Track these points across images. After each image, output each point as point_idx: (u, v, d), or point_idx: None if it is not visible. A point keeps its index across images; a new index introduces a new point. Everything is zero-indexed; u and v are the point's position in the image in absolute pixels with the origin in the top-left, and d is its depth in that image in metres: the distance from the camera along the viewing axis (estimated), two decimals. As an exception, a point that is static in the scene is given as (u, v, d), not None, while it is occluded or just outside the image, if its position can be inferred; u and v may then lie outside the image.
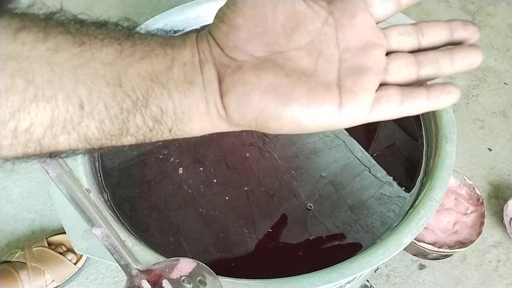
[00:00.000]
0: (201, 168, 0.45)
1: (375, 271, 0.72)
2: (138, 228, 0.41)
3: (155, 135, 0.22)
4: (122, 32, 0.21)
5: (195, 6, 0.55)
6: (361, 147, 0.46)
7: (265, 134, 0.47)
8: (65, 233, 0.73)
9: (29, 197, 0.82)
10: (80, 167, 0.41)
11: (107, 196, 0.43)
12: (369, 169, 0.44)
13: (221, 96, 0.22)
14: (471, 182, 0.74)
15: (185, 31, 0.54)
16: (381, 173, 0.44)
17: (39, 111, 0.19)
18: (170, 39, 0.22)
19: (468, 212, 0.72)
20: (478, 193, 0.73)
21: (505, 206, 0.75)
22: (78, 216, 0.31)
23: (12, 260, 0.69)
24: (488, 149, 0.86)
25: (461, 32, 0.24)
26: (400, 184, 0.43)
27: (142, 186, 0.44)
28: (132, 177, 0.45)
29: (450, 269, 0.72)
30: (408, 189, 0.42)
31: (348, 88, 0.22)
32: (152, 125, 0.21)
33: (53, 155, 0.21)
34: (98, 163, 0.46)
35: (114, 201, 0.43)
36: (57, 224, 0.78)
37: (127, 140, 0.22)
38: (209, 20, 0.56)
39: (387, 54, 0.23)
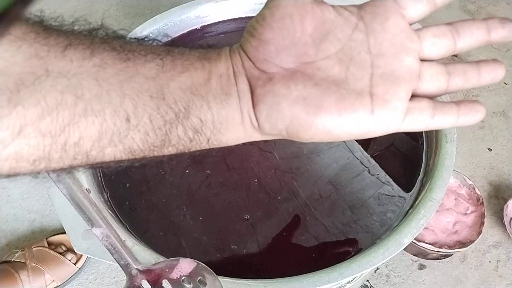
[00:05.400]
0: (201, 168, 0.45)
1: (375, 271, 0.72)
2: (138, 228, 0.41)
3: (194, 145, 0.23)
4: (162, 48, 0.22)
5: (195, 6, 0.55)
6: (360, 147, 0.46)
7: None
8: (65, 233, 0.73)
9: (29, 197, 0.82)
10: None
11: (107, 196, 0.43)
12: (368, 169, 0.44)
13: (253, 107, 0.22)
14: (471, 182, 0.74)
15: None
16: (381, 173, 0.44)
17: (88, 125, 0.19)
18: (206, 53, 0.23)
19: (468, 212, 0.72)
20: (478, 193, 0.73)
21: (505, 206, 0.75)
22: (78, 216, 0.31)
23: (12, 260, 0.69)
24: (488, 149, 0.86)
25: (500, 31, 0.23)
26: (400, 184, 0.43)
27: (142, 186, 0.44)
28: (132, 177, 0.45)
29: (450, 269, 0.72)
30: (408, 189, 0.42)
31: (381, 96, 0.22)
32: (192, 136, 0.22)
33: (97, 166, 0.22)
34: (98, 163, 0.45)
35: (114, 201, 0.43)
36: (57, 224, 0.78)
37: (168, 150, 0.23)
38: (209, 20, 0.56)
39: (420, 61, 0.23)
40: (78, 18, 0.21)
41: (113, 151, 0.21)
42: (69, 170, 0.21)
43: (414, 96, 0.23)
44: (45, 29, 0.19)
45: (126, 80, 0.20)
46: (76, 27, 0.20)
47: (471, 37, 0.23)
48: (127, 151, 0.21)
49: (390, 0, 0.23)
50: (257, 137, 0.24)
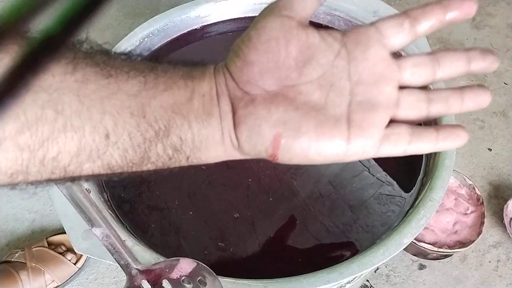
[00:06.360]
0: (201, 168, 0.45)
1: (375, 271, 0.72)
2: (138, 228, 0.41)
3: (174, 162, 0.23)
4: (146, 65, 0.22)
5: (195, 6, 0.55)
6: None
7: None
8: (65, 233, 0.73)
9: (29, 197, 0.82)
10: (80, 167, 0.41)
11: (107, 196, 0.43)
12: (368, 169, 0.44)
13: (234, 128, 0.23)
14: (471, 182, 0.74)
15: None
16: (381, 173, 0.44)
17: (67, 141, 0.19)
18: (191, 72, 0.23)
19: (468, 212, 0.72)
20: (478, 193, 0.73)
21: (505, 206, 0.75)
22: (78, 216, 0.31)
23: (12, 260, 0.69)
24: (488, 149, 0.86)
25: (479, 63, 0.23)
26: (400, 184, 0.43)
27: (142, 186, 0.44)
28: (132, 177, 0.45)
29: (450, 269, 0.72)
30: (408, 189, 0.42)
31: (358, 123, 0.22)
32: (172, 154, 0.22)
33: (75, 179, 0.22)
34: (98, 163, 0.45)
35: (114, 201, 0.43)
36: (57, 224, 0.78)
37: (147, 167, 0.23)
38: (209, 20, 0.56)
39: (400, 88, 0.23)
40: None
41: (91, 167, 0.21)
42: (47, 183, 0.21)
43: (393, 121, 0.23)
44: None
45: (107, 96, 0.20)
46: None
47: (451, 67, 0.23)
48: (106, 166, 0.21)
49: (373, 29, 0.23)
50: (236, 156, 0.24)
